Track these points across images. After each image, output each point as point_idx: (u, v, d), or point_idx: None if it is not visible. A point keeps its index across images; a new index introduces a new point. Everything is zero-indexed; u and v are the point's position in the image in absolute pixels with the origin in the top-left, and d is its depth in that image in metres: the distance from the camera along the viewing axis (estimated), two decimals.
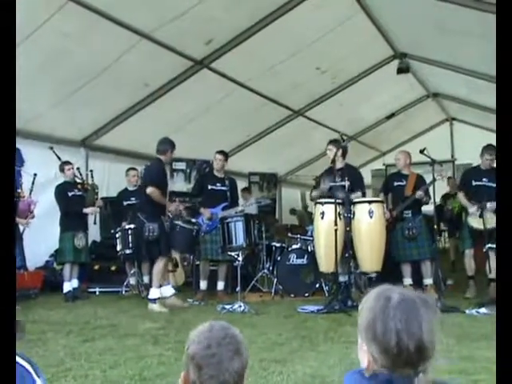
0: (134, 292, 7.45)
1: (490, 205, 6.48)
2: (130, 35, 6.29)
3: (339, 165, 6.68)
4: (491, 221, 6.44)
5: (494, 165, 6.84)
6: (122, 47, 6.48)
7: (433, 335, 1.21)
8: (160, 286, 6.25)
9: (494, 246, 6.44)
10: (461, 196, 7.17)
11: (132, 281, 7.55)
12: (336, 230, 5.99)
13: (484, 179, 6.86)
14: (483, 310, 5.59)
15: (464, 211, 7.25)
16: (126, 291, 7.48)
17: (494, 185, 6.69)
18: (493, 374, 3.17)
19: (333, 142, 6.80)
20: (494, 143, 10.60)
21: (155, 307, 6.09)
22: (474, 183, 6.95)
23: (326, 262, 6.28)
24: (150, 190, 6.28)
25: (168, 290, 6.39)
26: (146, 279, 7.38)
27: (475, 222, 6.63)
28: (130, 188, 7.85)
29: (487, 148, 6.93)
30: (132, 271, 7.55)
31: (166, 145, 6.49)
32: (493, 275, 6.49)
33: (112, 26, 6.00)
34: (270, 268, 7.68)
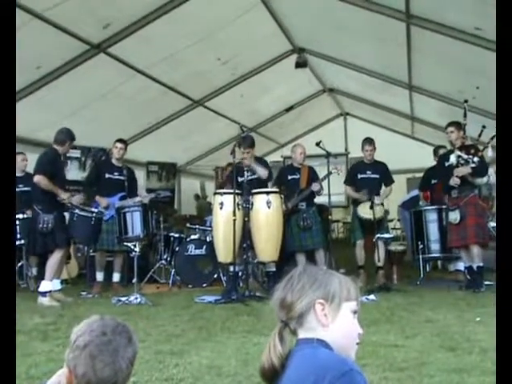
0: (20, 285, 7.02)
1: (378, 198, 6.92)
2: (20, 13, 5.88)
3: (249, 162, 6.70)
4: (380, 212, 6.87)
5: (374, 156, 7.38)
6: None
7: None
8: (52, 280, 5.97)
9: (383, 235, 6.86)
10: (348, 189, 7.57)
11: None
12: (234, 221, 6.05)
13: (368, 172, 7.33)
14: (372, 296, 5.88)
15: (352, 203, 7.63)
16: None
17: (378, 176, 7.23)
18: (381, 358, 3.36)
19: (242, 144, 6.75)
20: (384, 137, 11.23)
21: (45, 301, 5.80)
22: (359, 176, 7.39)
23: (225, 252, 6.32)
24: (36, 178, 5.96)
25: (55, 285, 6.11)
26: (34, 271, 7.02)
27: (365, 213, 6.97)
28: (18, 174, 7.37)
29: (365, 141, 7.46)
30: (20, 263, 7.11)
31: (65, 135, 6.20)
32: (381, 263, 6.90)
33: None
34: (168, 259, 7.60)
